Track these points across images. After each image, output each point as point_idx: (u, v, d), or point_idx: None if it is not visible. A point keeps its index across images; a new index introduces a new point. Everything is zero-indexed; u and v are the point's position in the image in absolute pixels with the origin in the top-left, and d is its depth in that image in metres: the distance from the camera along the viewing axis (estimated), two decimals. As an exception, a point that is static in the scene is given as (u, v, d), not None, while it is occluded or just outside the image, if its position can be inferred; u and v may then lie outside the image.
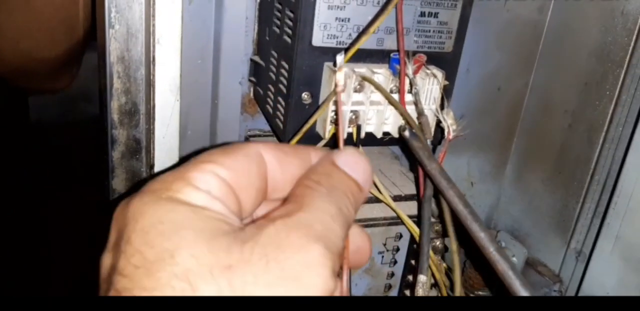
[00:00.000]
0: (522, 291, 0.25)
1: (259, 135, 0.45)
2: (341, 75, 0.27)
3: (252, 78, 0.42)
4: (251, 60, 0.42)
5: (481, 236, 0.27)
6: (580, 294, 0.42)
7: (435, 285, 0.38)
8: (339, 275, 0.22)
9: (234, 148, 0.25)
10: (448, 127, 0.32)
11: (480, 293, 0.47)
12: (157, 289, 0.19)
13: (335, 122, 0.34)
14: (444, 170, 0.30)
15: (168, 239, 0.20)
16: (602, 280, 0.40)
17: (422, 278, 0.32)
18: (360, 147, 0.35)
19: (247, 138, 0.45)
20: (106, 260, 0.22)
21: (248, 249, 0.20)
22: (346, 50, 0.33)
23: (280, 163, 0.25)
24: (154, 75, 0.35)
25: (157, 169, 0.38)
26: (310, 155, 0.26)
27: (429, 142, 0.33)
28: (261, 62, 0.41)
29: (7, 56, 0.58)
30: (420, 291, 0.32)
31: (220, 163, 0.23)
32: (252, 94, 0.44)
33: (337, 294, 0.22)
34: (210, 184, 0.23)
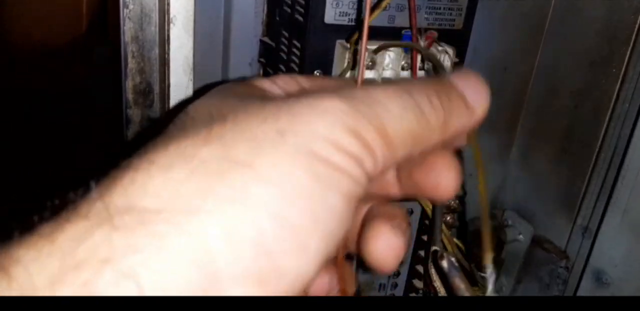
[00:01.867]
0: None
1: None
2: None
3: (262, 60, 0.43)
4: (261, 41, 0.42)
5: None
6: (588, 268, 0.43)
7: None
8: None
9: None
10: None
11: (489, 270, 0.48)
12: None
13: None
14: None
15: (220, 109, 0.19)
16: (610, 254, 0.41)
17: (435, 249, 0.33)
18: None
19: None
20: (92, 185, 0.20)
21: (267, 103, 0.18)
22: (358, 26, 0.33)
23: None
24: (168, 55, 0.36)
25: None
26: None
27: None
28: (271, 43, 0.41)
29: (22, 46, 0.59)
30: (432, 263, 0.33)
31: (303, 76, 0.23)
32: (262, 75, 0.44)
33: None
34: (284, 81, 0.22)
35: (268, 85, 0.22)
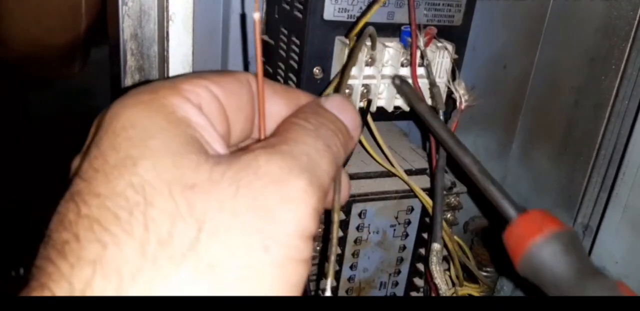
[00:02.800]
0: (511, 211, 0.25)
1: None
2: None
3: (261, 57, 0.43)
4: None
5: (466, 162, 0.27)
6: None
7: (447, 257, 0.38)
8: (321, 220, 0.20)
9: (225, 71, 0.23)
10: (460, 97, 0.33)
11: (489, 269, 0.48)
12: (109, 197, 0.17)
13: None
14: (433, 111, 0.30)
15: (134, 146, 0.18)
16: (611, 250, 0.40)
17: (436, 246, 0.33)
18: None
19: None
20: (75, 163, 0.20)
21: (218, 171, 0.18)
22: (355, 22, 0.33)
23: (267, 98, 0.23)
24: (168, 52, 0.36)
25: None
26: (300, 99, 0.25)
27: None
28: (270, 41, 0.41)
29: (19, 43, 0.59)
30: (434, 259, 0.33)
31: (213, 80, 0.21)
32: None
33: (310, 244, 0.19)
34: (202, 98, 0.21)
35: (190, 111, 0.20)
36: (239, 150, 0.22)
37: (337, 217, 0.23)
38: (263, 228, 0.18)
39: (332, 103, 0.24)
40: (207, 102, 0.21)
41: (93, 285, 0.16)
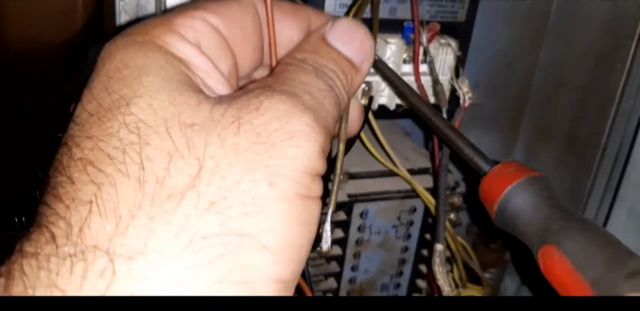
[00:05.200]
0: (484, 165, 0.26)
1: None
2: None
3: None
4: (260, 36, 0.42)
5: (437, 123, 0.28)
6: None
7: (450, 259, 0.38)
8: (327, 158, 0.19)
9: None
10: (463, 94, 0.32)
11: (492, 270, 0.47)
12: (103, 140, 0.16)
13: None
14: (403, 81, 0.30)
15: (128, 85, 0.17)
16: (617, 252, 0.40)
17: (438, 247, 0.32)
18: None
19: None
20: (71, 109, 0.19)
21: (219, 109, 0.17)
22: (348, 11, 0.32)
23: (276, 22, 0.21)
24: (164, 48, 0.35)
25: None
26: (310, 19, 0.23)
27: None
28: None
29: (14, 42, 0.58)
30: (437, 260, 0.32)
31: (211, 10, 0.20)
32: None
33: (319, 183, 0.18)
34: (200, 34, 0.19)
35: (189, 52, 0.19)
36: (250, 82, 0.21)
37: (343, 147, 0.22)
38: (268, 164, 0.16)
39: (337, 33, 0.21)
40: (207, 38, 0.19)
41: (90, 224, 0.15)
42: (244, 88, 0.19)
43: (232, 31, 0.20)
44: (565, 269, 0.22)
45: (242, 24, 0.21)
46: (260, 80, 0.19)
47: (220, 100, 0.18)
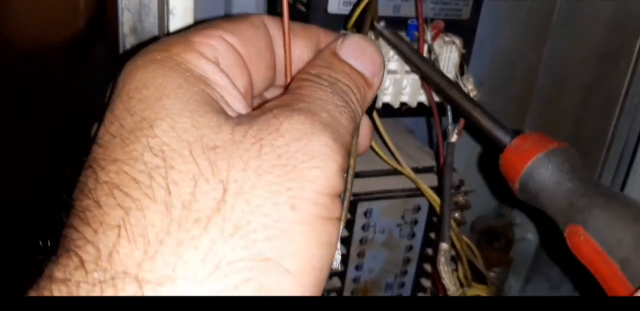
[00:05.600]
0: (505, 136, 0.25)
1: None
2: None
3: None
4: (263, 35, 0.42)
5: (454, 95, 0.27)
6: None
7: (455, 257, 0.37)
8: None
9: (238, 17, 0.21)
10: (468, 92, 0.32)
11: (497, 269, 0.47)
12: (126, 162, 0.17)
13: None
14: (419, 51, 0.30)
15: (149, 107, 0.17)
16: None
17: (444, 246, 0.32)
18: (370, 34, 0.31)
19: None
20: (93, 130, 0.19)
21: (240, 131, 0.17)
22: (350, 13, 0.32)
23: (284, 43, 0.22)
24: (167, 47, 0.35)
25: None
26: (320, 38, 0.23)
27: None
28: (273, 37, 0.40)
29: (16, 41, 0.58)
30: (442, 260, 0.32)
31: (227, 29, 0.20)
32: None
33: (338, 203, 0.18)
34: (218, 51, 0.19)
35: (208, 69, 0.19)
36: (263, 102, 0.21)
37: (354, 163, 0.22)
38: (290, 186, 0.17)
39: (348, 48, 0.22)
40: (224, 55, 0.20)
41: (119, 249, 0.16)
42: (262, 107, 0.19)
43: (247, 50, 0.21)
44: (593, 249, 0.22)
45: (256, 43, 0.21)
46: (278, 99, 0.20)
47: (240, 120, 0.18)
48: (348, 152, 0.19)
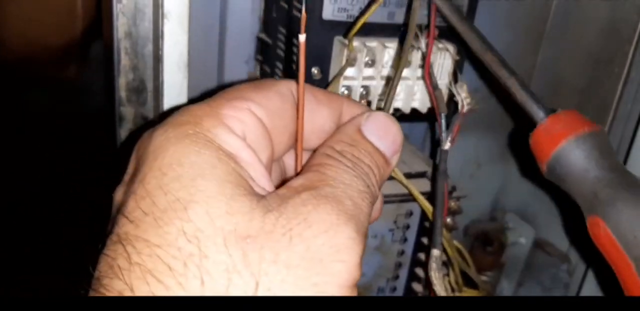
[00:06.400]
0: (540, 112, 0.25)
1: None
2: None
3: (259, 57, 0.42)
4: (258, 38, 0.41)
5: (492, 62, 0.27)
6: (590, 272, 0.42)
7: (447, 262, 0.38)
8: None
9: (265, 84, 0.22)
10: (462, 100, 0.32)
11: (488, 273, 0.47)
12: (161, 247, 0.17)
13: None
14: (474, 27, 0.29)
15: (184, 187, 0.18)
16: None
17: (435, 252, 0.32)
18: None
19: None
20: (118, 195, 0.20)
21: (271, 219, 0.18)
22: (354, 22, 0.32)
23: (310, 111, 0.22)
24: (162, 51, 0.35)
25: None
26: (343, 107, 0.23)
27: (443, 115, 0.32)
28: (268, 40, 0.40)
29: (16, 44, 0.58)
30: (433, 266, 0.32)
31: (255, 101, 0.20)
32: (258, 73, 0.43)
33: (356, 291, 0.19)
34: (246, 125, 0.20)
35: (237, 146, 0.19)
36: (283, 178, 0.22)
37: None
38: (316, 282, 0.17)
39: (372, 127, 0.22)
40: (252, 129, 0.20)
41: None
42: (289, 186, 0.20)
43: (273, 122, 0.21)
44: (611, 244, 0.22)
45: (282, 115, 0.21)
46: (304, 176, 0.20)
47: (270, 205, 0.18)
48: (367, 234, 0.20)
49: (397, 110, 0.36)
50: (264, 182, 0.20)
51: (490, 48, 0.27)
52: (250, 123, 0.20)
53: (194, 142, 0.19)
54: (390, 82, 0.31)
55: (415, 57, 0.33)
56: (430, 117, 0.35)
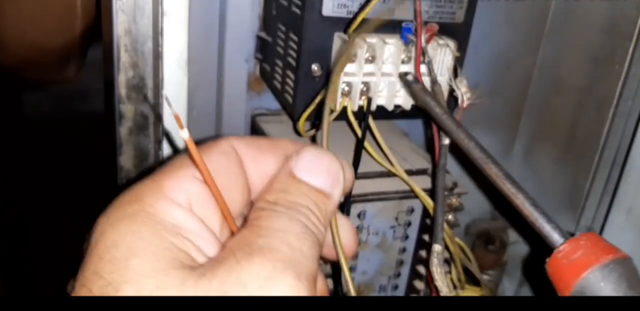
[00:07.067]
0: (556, 236, 0.23)
1: (265, 114, 0.44)
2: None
3: (259, 55, 0.42)
4: (257, 36, 0.41)
5: (501, 180, 0.26)
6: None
7: (449, 259, 0.37)
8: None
9: (207, 146, 0.22)
10: (462, 95, 0.32)
11: (491, 271, 0.47)
12: None
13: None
14: (451, 114, 0.30)
15: (117, 269, 0.18)
16: (616, 253, 0.40)
17: (437, 247, 0.32)
18: (325, 140, 0.28)
19: (254, 118, 0.44)
20: (69, 287, 0.20)
21: (205, 283, 0.18)
22: (354, 17, 0.32)
23: (254, 161, 0.22)
24: (162, 48, 0.35)
25: (164, 145, 0.38)
26: (289, 150, 0.23)
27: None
28: (268, 38, 0.40)
29: (14, 46, 0.58)
30: (435, 261, 0.32)
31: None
32: (258, 72, 0.43)
33: None
34: (191, 193, 0.20)
35: (179, 217, 0.19)
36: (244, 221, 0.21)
37: (347, 267, 0.23)
38: None
39: (303, 166, 0.22)
40: (196, 196, 0.20)
41: None
42: (226, 247, 0.19)
43: (220, 182, 0.21)
44: None
45: (227, 172, 0.21)
46: (239, 234, 0.20)
47: (205, 271, 0.18)
48: (315, 278, 0.19)
49: (397, 106, 0.35)
50: (210, 248, 0.20)
51: (494, 161, 0.26)
52: (194, 191, 0.20)
53: (132, 222, 0.19)
54: (330, 79, 0.31)
55: (396, 53, 0.33)
56: (418, 113, 0.35)
